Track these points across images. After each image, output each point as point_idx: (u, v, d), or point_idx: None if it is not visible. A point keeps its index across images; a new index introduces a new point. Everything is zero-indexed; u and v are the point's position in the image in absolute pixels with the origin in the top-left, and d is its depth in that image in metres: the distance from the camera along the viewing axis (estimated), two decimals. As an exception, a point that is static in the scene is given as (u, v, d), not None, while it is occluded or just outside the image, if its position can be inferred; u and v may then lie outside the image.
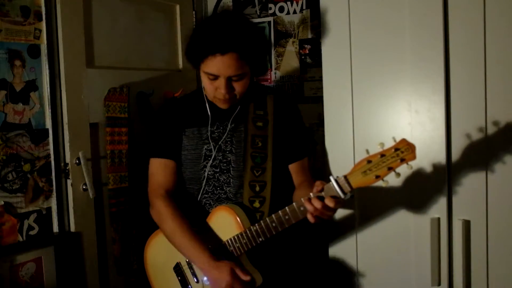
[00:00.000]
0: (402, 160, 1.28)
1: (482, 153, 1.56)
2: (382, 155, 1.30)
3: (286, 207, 1.48)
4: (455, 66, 1.59)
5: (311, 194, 1.42)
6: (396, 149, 1.29)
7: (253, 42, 1.56)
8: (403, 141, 1.29)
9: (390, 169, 1.30)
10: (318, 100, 2.21)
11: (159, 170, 1.70)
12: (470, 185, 1.57)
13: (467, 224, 1.59)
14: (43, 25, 1.77)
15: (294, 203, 1.47)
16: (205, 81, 1.59)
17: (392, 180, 1.35)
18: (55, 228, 1.81)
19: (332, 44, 1.80)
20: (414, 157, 1.28)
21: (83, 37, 1.89)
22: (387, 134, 1.72)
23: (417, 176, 1.67)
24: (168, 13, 2.30)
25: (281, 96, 1.76)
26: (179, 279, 1.67)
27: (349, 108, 1.77)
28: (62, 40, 1.81)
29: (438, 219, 1.61)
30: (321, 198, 1.39)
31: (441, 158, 1.60)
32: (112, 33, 2.04)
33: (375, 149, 1.32)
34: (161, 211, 1.66)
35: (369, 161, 1.32)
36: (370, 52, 1.72)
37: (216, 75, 1.54)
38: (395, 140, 1.29)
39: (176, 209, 1.66)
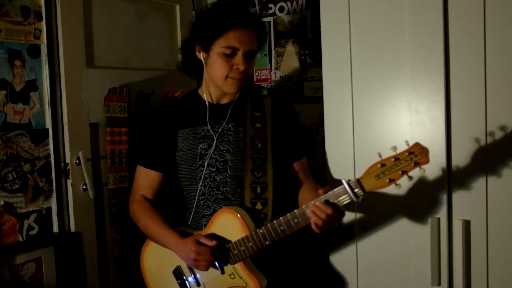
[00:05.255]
0: (416, 164, 1.27)
1: (482, 153, 1.56)
2: (396, 158, 1.29)
3: (295, 210, 1.46)
4: (455, 66, 1.59)
5: (321, 198, 1.39)
6: (410, 153, 1.27)
7: (264, 24, 1.72)
8: (417, 144, 1.28)
9: (404, 172, 1.29)
10: (318, 100, 2.21)
11: (141, 178, 1.75)
12: (470, 185, 1.57)
13: (467, 224, 1.59)
14: (43, 25, 1.77)
15: (304, 206, 1.45)
16: (219, 62, 1.59)
17: (404, 183, 1.34)
18: (55, 228, 1.81)
19: (332, 44, 1.80)
20: (427, 161, 1.27)
21: (83, 37, 1.89)
22: (387, 134, 1.73)
23: (417, 176, 1.67)
24: (168, 13, 2.30)
25: (278, 97, 1.77)
26: (178, 283, 1.66)
27: (349, 108, 1.77)
28: (62, 40, 1.81)
29: (438, 219, 1.61)
30: (332, 204, 1.37)
31: (441, 158, 1.60)
32: (112, 33, 2.04)
33: (387, 153, 1.31)
34: (135, 210, 1.72)
35: (382, 165, 1.30)
36: (370, 52, 1.72)
37: (236, 48, 1.57)
38: (408, 144, 1.28)
39: (149, 206, 1.71)
